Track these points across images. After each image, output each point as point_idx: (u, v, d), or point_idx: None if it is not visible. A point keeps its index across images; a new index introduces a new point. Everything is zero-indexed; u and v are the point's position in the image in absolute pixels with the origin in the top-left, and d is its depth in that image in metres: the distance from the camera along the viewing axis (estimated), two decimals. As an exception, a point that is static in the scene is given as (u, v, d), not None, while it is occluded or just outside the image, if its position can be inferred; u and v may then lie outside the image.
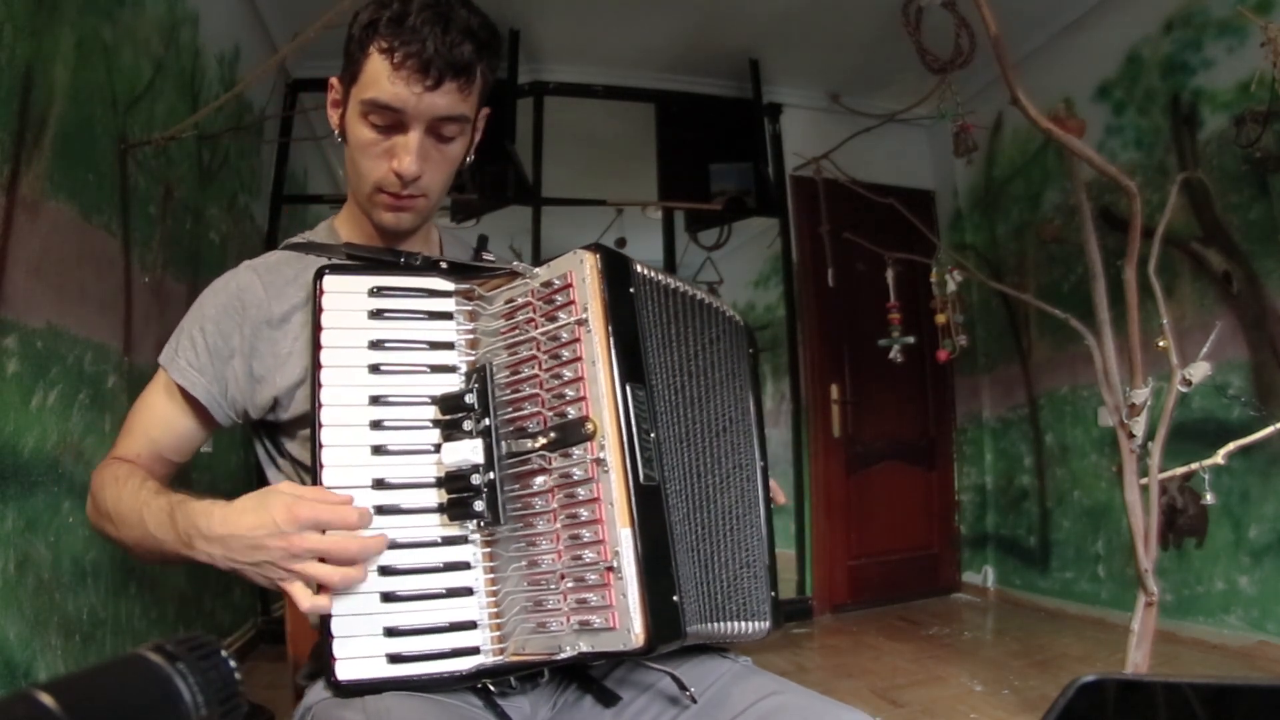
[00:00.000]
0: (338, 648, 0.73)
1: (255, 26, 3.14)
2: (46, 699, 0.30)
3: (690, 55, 3.75)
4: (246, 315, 0.88)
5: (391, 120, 0.84)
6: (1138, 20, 3.06)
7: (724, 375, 0.90)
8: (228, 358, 0.88)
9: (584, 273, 0.76)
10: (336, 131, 0.91)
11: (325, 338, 0.79)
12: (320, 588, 0.71)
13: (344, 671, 0.73)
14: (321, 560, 0.70)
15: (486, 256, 1.04)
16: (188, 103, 2.48)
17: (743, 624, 0.84)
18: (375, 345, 0.81)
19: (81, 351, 1.83)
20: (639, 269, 0.81)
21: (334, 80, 0.90)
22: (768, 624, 0.88)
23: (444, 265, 0.86)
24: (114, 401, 1.96)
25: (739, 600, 0.84)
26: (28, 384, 1.62)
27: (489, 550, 0.79)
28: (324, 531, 0.71)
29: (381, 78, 0.81)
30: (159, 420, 0.91)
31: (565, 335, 0.76)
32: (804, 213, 3.86)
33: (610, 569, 0.70)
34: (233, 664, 0.39)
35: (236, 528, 0.71)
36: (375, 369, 0.80)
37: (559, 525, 0.74)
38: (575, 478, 0.73)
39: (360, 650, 0.74)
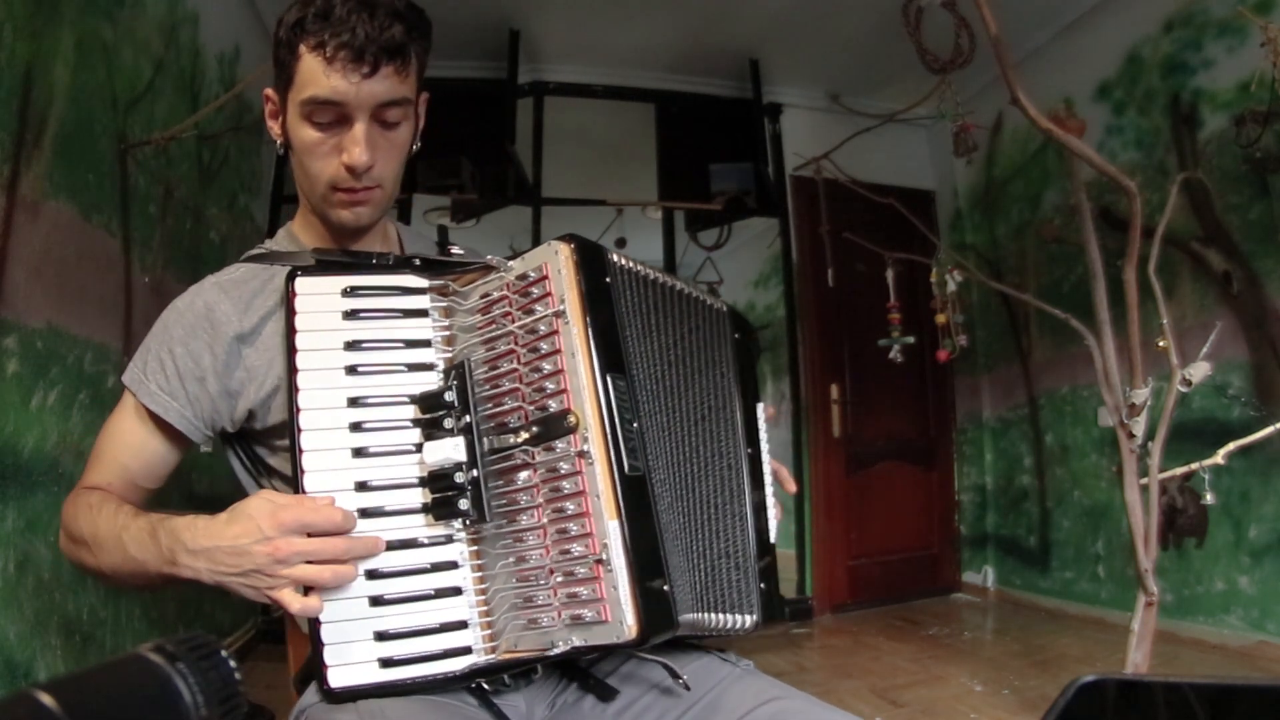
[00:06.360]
0: (329, 655, 0.72)
1: (255, 26, 3.14)
2: (46, 699, 0.30)
3: (690, 55, 3.75)
4: (217, 333, 0.86)
5: (334, 115, 0.82)
6: (1138, 20, 3.06)
7: (703, 363, 0.90)
8: (200, 379, 0.85)
9: (559, 264, 0.75)
10: (279, 143, 0.90)
11: (300, 340, 0.78)
12: (309, 590, 0.71)
13: (336, 679, 0.72)
14: (309, 564, 0.70)
15: (454, 251, 1.03)
16: (188, 103, 2.48)
17: (727, 616, 0.83)
18: (351, 346, 0.79)
19: (81, 351, 1.83)
20: (614, 258, 0.81)
21: (269, 92, 0.88)
22: (754, 617, 0.86)
23: (417, 262, 0.85)
24: (114, 401, 1.94)
25: (718, 591, 0.83)
26: (28, 384, 1.62)
27: (475, 549, 0.78)
28: (308, 536, 0.70)
29: (317, 74, 0.79)
30: (130, 446, 0.88)
31: (543, 328, 0.75)
32: (804, 213, 3.86)
33: (599, 561, 0.70)
34: (233, 664, 0.39)
35: (220, 538, 0.70)
36: (353, 370, 0.79)
37: (545, 520, 0.74)
38: (560, 471, 0.73)
39: (352, 656, 0.73)
